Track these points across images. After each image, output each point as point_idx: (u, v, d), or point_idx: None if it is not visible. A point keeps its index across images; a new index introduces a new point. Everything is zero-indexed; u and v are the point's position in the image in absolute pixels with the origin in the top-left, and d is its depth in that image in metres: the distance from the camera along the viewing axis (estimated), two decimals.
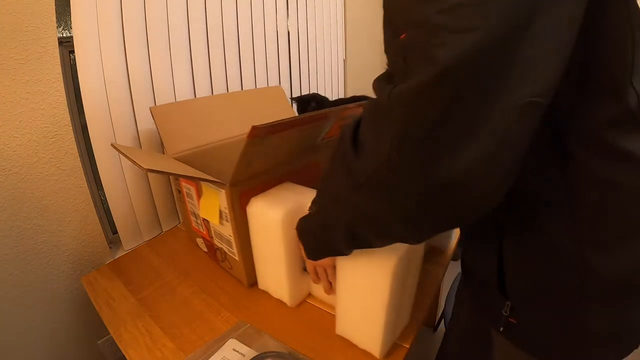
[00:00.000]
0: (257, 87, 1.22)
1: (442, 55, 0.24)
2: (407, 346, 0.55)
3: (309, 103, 1.17)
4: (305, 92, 1.54)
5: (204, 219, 0.72)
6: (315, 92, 1.37)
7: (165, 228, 0.99)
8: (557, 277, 0.38)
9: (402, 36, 0.27)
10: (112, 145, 0.67)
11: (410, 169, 0.27)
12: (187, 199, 0.77)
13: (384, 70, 0.33)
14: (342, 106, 0.63)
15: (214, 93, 1.09)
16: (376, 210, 0.33)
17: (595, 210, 0.35)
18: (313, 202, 0.46)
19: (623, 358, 0.42)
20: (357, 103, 0.66)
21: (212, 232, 0.72)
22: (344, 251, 0.44)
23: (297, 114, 1.14)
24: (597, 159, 0.33)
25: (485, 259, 0.45)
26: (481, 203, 0.29)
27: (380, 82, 0.31)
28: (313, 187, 0.77)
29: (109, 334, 0.62)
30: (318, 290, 0.65)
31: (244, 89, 1.20)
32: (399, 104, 0.27)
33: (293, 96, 1.26)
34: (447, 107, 0.25)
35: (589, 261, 0.36)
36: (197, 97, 1.03)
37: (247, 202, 0.61)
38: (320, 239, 0.45)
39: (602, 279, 0.36)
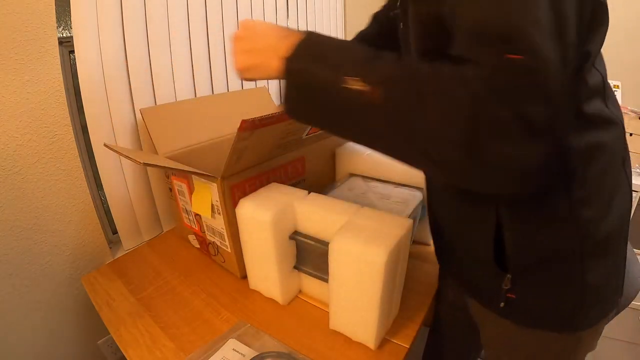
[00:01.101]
0: (258, 87, 1.23)
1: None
2: (407, 346, 0.55)
3: None
4: None
5: (195, 215, 0.74)
6: None
7: (165, 228, 0.99)
8: (556, 240, 0.41)
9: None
10: (105, 145, 0.68)
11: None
12: (178, 197, 0.78)
13: None
14: None
15: (215, 93, 1.09)
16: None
17: (582, 172, 0.39)
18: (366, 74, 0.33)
19: (619, 313, 0.46)
20: None
21: (204, 227, 0.73)
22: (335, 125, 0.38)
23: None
24: (578, 127, 0.38)
25: (482, 234, 0.45)
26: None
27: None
28: (300, 180, 0.81)
29: (109, 334, 0.62)
30: (309, 287, 0.66)
31: (244, 88, 1.20)
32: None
33: None
34: None
35: (582, 219, 0.39)
36: (197, 97, 1.03)
37: (237, 194, 0.64)
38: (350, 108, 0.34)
39: (595, 234, 0.40)
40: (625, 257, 0.45)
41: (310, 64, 0.36)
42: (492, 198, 0.42)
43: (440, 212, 0.55)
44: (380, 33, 0.68)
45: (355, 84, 0.33)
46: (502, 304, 0.46)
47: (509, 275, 0.44)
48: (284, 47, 0.38)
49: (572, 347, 0.48)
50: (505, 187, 0.31)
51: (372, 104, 0.32)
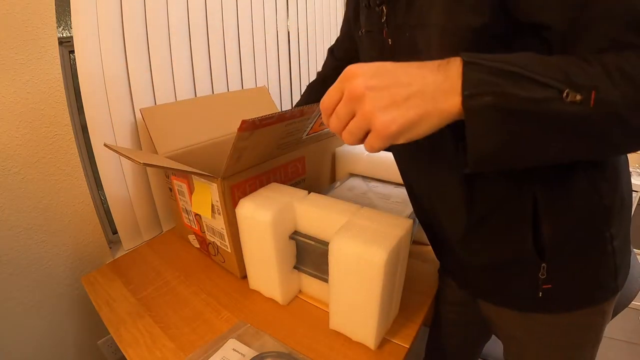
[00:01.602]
0: (258, 86, 1.23)
1: None
2: (407, 346, 0.55)
3: None
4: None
5: (195, 215, 0.74)
6: None
7: (165, 228, 0.99)
8: (585, 213, 0.43)
9: None
10: (105, 145, 0.68)
11: None
12: (178, 197, 0.78)
13: None
14: None
15: (215, 93, 1.09)
16: None
17: None
18: (579, 83, 0.29)
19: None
20: None
21: (204, 227, 0.73)
22: (542, 158, 0.33)
23: (287, 107, 1.15)
24: None
25: (516, 226, 0.45)
26: None
27: None
28: (300, 180, 0.81)
29: (109, 334, 0.62)
30: (309, 287, 0.66)
31: (244, 88, 1.20)
32: None
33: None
34: None
35: (602, 189, 0.42)
36: (197, 97, 1.03)
37: (237, 194, 0.64)
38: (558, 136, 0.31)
39: (613, 202, 0.44)
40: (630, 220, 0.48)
41: (509, 87, 0.29)
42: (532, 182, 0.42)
43: (448, 216, 0.51)
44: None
45: (573, 96, 0.29)
46: (540, 294, 0.47)
47: (544, 264, 0.44)
48: (452, 79, 0.30)
49: (598, 320, 0.50)
50: None
51: (590, 110, 0.29)
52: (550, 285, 0.46)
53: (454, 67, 0.30)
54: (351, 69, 0.32)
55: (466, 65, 0.30)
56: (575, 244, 0.44)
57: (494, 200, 0.45)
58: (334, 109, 0.34)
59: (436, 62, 0.31)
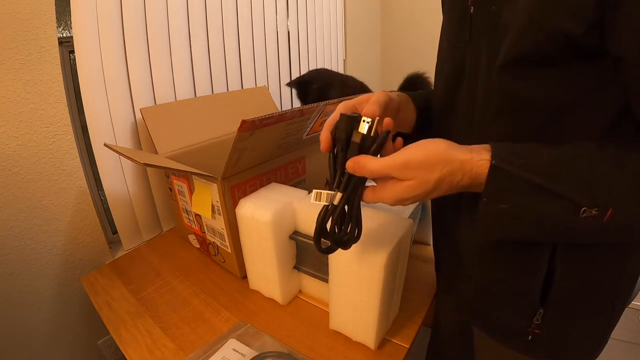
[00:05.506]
0: (258, 86, 1.23)
1: None
2: (407, 346, 0.55)
3: (309, 86, 0.99)
4: None
5: (196, 215, 0.74)
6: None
7: (165, 228, 0.99)
8: (600, 268, 0.41)
9: None
10: (105, 144, 0.68)
11: None
12: (178, 197, 0.78)
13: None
14: (325, 102, 0.65)
15: (215, 93, 1.09)
16: None
17: None
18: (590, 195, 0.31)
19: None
20: (340, 99, 0.67)
21: (204, 227, 0.73)
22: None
23: (287, 107, 1.12)
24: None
25: (529, 266, 0.43)
26: None
27: None
28: (300, 180, 0.80)
29: (109, 334, 0.62)
30: (309, 287, 0.66)
31: (244, 88, 1.20)
32: None
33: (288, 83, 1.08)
34: None
35: (628, 267, 0.42)
36: (197, 97, 1.03)
37: (237, 194, 0.64)
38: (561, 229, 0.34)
39: (629, 280, 0.42)
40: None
41: (527, 199, 0.32)
42: None
43: (469, 243, 0.49)
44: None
45: (589, 212, 0.31)
46: (530, 337, 0.45)
47: (541, 310, 0.43)
48: (478, 179, 0.34)
49: None
50: None
51: (602, 223, 0.31)
52: (538, 331, 0.44)
53: (482, 168, 0.33)
54: (391, 197, 0.37)
55: (492, 171, 0.33)
56: (578, 301, 0.42)
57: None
58: None
59: (468, 165, 0.34)
